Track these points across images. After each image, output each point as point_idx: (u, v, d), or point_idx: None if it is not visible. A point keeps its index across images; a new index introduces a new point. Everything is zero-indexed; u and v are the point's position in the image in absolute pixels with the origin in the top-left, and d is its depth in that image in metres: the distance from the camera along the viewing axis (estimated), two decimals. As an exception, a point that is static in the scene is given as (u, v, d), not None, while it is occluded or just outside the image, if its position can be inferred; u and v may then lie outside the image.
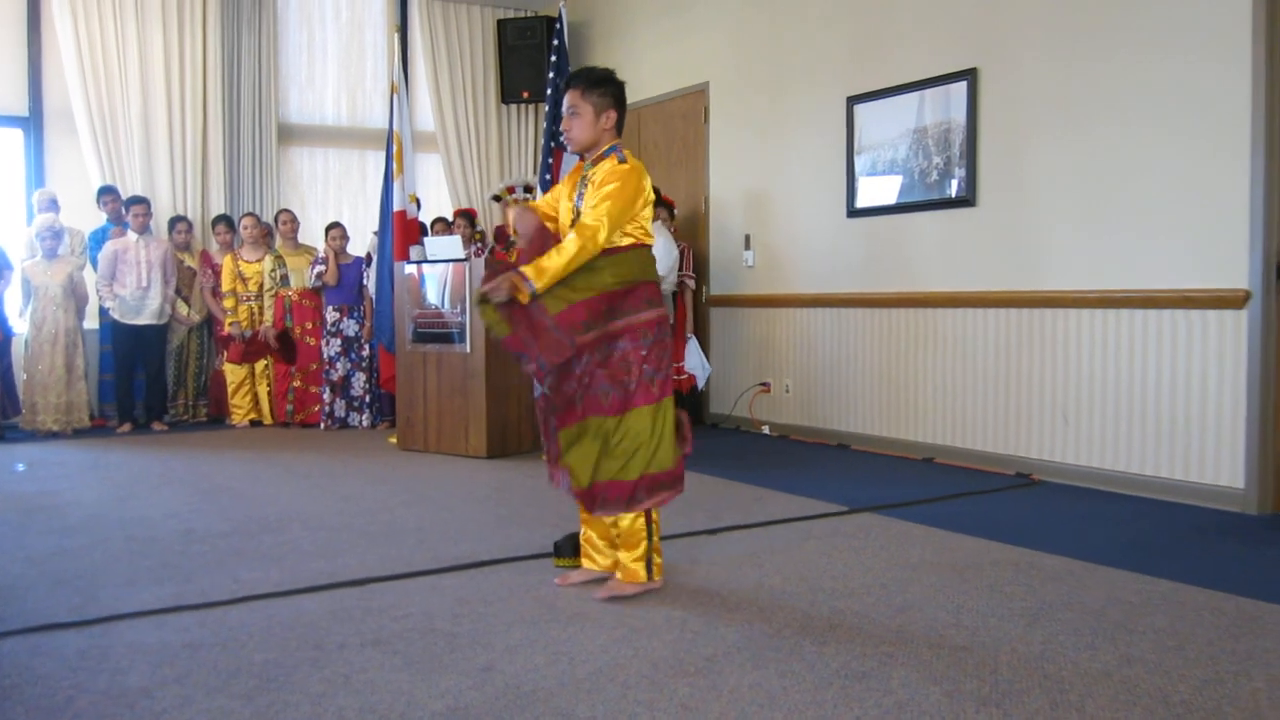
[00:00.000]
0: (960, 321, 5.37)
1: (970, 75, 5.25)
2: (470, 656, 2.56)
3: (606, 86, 3.11)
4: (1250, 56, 4.11)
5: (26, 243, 6.75)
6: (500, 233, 7.54)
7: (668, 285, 6.24)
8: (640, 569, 3.08)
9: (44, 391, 6.51)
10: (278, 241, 7.30)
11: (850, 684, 2.36)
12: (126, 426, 6.81)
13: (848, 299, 6.02)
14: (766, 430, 6.62)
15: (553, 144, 6.42)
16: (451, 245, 5.78)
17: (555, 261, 2.94)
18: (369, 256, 7.03)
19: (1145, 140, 4.49)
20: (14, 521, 4.15)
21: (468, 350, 5.67)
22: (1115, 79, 4.61)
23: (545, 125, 6.69)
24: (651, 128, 7.72)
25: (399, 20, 8.38)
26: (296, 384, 7.10)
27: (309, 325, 7.07)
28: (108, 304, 6.75)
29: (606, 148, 3.11)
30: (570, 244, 2.95)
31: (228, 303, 7.11)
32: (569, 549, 3.36)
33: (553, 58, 6.71)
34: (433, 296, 5.81)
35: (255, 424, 7.19)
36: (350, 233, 7.24)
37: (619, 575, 3.11)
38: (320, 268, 6.88)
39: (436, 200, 8.65)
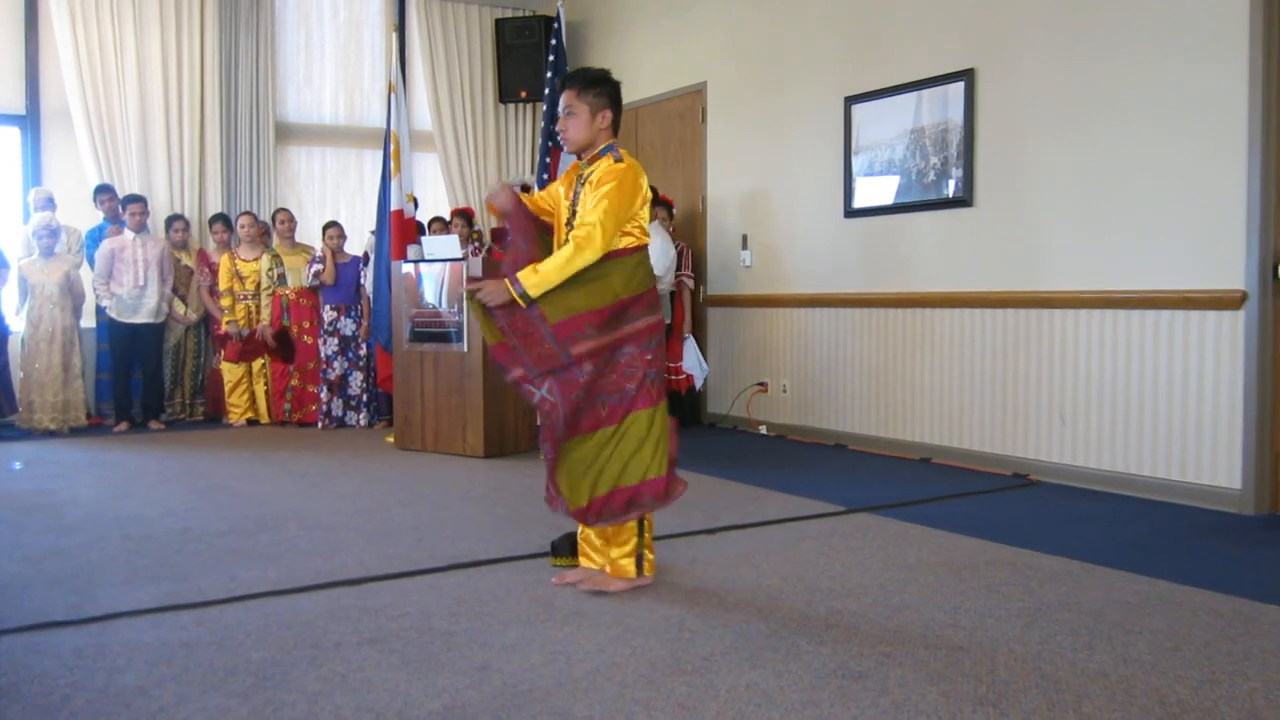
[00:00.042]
0: (957, 322, 5.38)
1: (968, 75, 5.25)
2: (467, 655, 2.55)
3: (602, 86, 3.11)
4: (1248, 58, 4.11)
5: (23, 241, 6.74)
6: (498, 232, 7.54)
7: (665, 285, 6.24)
8: (629, 565, 3.09)
9: (41, 390, 6.51)
10: (275, 240, 7.30)
11: (847, 684, 2.36)
12: (123, 425, 6.80)
13: (845, 299, 6.02)
14: (764, 430, 6.62)
15: (550, 143, 6.41)
16: (449, 244, 5.77)
17: (553, 264, 2.95)
18: (366, 256, 7.02)
19: (1143, 141, 4.50)
20: (11, 520, 4.14)
21: (465, 350, 5.67)
22: (1113, 79, 4.61)
23: (543, 125, 6.69)
24: (649, 127, 7.72)
25: (397, 19, 8.38)
26: (294, 383, 7.09)
27: (306, 324, 7.07)
28: (105, 302, 6.73)
29: (602, 147, 3.12)
30: (568, 247, 2.96)
31: (225, 301, 7.10)
32: (566, 548, 3.36)
33: (550, 57, 6.71)
34: (430, 296, 5.81)
35: (252, 423, 7.18)
36: (348, 232, 7.26)
37: (608, 570, 3.12)
38: (318, 266, 6.88)
39: (434, 199, 8.65)
